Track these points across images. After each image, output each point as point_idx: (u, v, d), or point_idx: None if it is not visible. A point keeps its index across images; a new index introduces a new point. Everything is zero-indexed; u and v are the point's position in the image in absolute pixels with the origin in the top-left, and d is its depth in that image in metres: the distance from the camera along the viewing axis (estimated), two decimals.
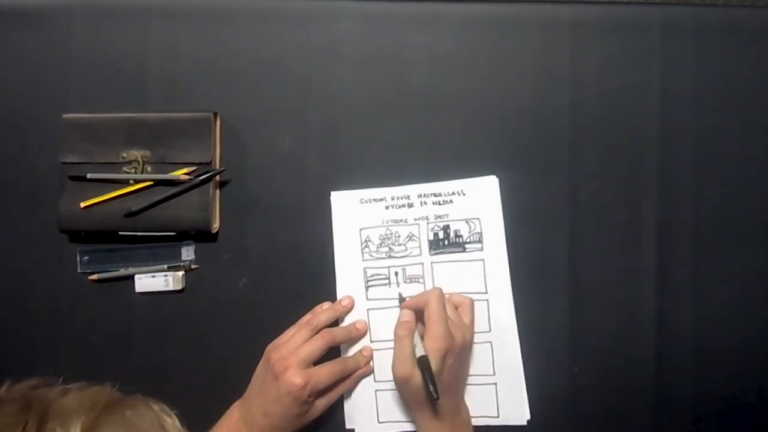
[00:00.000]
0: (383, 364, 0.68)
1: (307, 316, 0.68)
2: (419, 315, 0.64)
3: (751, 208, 0.69)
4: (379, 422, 0.68)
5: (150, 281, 0.70)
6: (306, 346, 0.63)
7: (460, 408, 0.64)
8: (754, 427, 0.69)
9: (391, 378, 0.66)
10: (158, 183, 0.68)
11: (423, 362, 0.59)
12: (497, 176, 0.69)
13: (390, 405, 0.68)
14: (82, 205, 0.68)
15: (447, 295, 0.65)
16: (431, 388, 0.56)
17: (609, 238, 0.69)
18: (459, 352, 0.62)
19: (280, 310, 0.70)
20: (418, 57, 0.71)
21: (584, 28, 0.70)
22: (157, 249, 0.70)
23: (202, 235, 0.70)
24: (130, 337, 0.71)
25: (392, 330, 0.67)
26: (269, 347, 0.65)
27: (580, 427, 0.69)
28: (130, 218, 0.68)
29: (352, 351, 0.69)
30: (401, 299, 0.68)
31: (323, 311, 0.67)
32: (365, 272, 0.69)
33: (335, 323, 0.68)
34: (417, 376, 0.59)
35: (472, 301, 0.66)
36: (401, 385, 0.62)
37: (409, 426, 0.68)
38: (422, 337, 0.61)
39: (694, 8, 0.71)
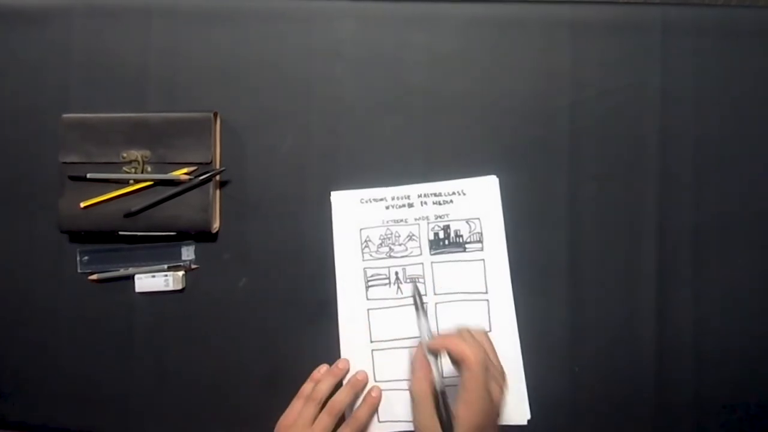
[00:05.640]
0: (383, 363, 0.68)
1: (309, 387, 0.67)
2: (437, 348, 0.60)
3: (751, 208, 0.69)
4: (379, 422, 0.68)
5: (150, 281, 0.70)
6: (317, 428, 0.63)
7: None
8: (754, 427, 0.69)
9: (391, 378, 0.67)
10: (158, 183, 0.68)
11: (439, 398, 0.57)
12: (497, 176, 0.69)
13: (390, 405, 0.68)
14: (82, 205, 0.68)
15: (466, 330, 0.60)
16: (447, 428, 0.55)
17: (609, 238, 0.69)
18: (496, 419, 0.56)
19: (280, 310, 0.70)
20: (418, 57, 0.71)
21: (584, 28, 0.70)
22: (157, 249, 0.70)
23: (202, 235, 0.70)
24: (130, 337, 0.71)
25: (392, 331, 0.68)
26: (279, 427, 0.64)
27: (580, 427, 0.69)
28: (130, 218, 0.68)
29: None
30: (419, 305, 0.65)
31: (324, 379, 0.66)
32: (365, 272, 0.69)
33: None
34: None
35: (486, 334, 0.62)
36: None
37: (409, 426, 0.68)
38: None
39: (694, 8, 0.71)
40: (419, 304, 0.65)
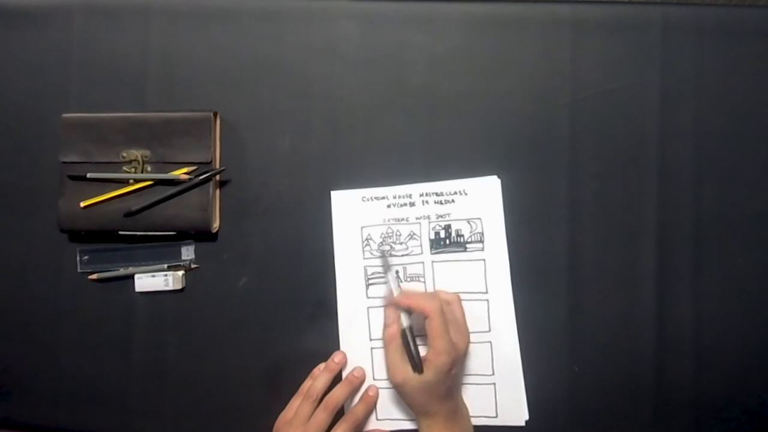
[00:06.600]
0: (382, 362, 0.68)
1: (307, 384, 0.67)
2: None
3: (751, 208, 0.69)
4: (378, 419, 0.68)
5: (150, 281, 0.70)
6: (313, 424, 0.63)
7: (459, 407, 0.65)
8: (754, 427, 0.68)
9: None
10: (158, 182, 0.68)
11: (406, 334, 0.62)
12: (498, 176, 0.69)
13: (388, 403, 0.68)
14: (82, 204, 0.68)
15: (434, 292, 0.67)
16: (416, 360, 0.60)
17: (609, 238, 0.69)
18: (462, 360, 0.64)
19: (280, 310, 0.70)
20: (418, 57, 0.71)
21: (584, 28, 0.70)
22: (157, 248, 0.70)
23: (201, 235, 0.70)
24: (130, 336, 0.71)
25: None
26: (278, 424, 0.65)
27: (579, 427, 0.69)
28: (130, 218, 0.68)
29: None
30: (388, 267, 0.68)
31: (320, 376, 0.67)
32: (366, 270, 0.69)
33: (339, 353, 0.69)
34: (412, 379, 0.60)
35: (458, 297, 0.66)
36: (399, 390, 0.63)
37: (407, 424, 0.68)
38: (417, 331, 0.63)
39: (694, 8, 0.71)
40: (388, 265, 0.68)
